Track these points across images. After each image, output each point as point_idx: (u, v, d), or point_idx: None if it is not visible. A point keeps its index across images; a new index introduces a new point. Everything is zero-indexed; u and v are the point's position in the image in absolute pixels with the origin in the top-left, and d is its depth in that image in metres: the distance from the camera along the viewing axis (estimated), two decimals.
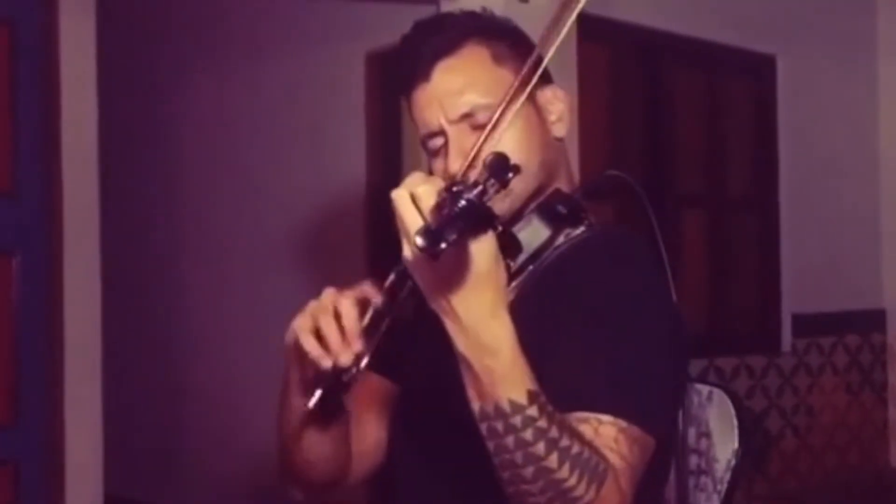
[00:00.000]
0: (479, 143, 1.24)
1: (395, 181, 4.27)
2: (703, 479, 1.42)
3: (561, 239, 1.32)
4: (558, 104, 1.42)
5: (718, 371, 4.40)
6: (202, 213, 4.78)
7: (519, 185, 1.31)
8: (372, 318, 1.21)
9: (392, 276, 1.23)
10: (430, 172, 1.42)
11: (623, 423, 1.14)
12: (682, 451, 1.39)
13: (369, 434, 1.50)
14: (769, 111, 4.68)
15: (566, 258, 1.31)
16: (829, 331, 4.91)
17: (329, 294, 1.24)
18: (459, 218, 0.93)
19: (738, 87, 4.62)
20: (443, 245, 0.91)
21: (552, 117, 1.41)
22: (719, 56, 4.47)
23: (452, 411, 1.31)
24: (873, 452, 5.09)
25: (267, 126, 4.52)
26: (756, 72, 4.65)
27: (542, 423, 1.04)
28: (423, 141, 1.39)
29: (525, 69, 1.24)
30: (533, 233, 1.28)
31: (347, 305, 1.20)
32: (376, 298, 1.21)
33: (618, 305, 1.23)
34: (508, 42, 1.39)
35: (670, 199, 4.28)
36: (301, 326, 1.23)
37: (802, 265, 4.72)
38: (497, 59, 1.36)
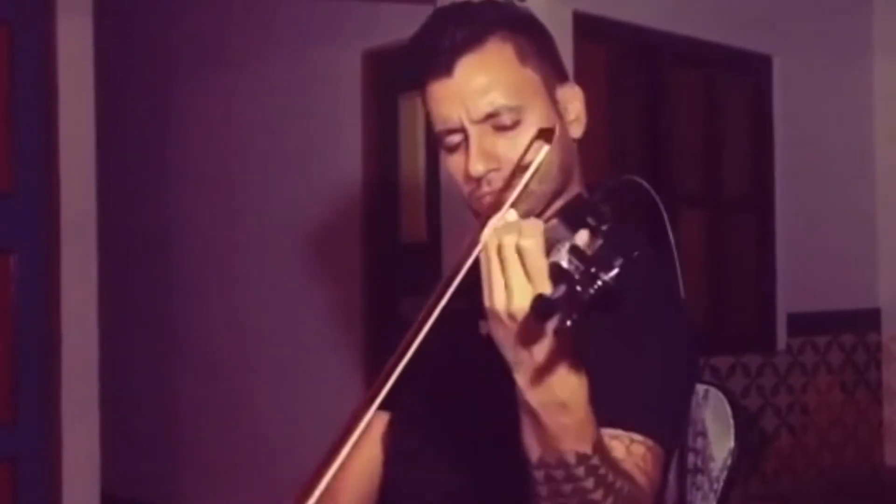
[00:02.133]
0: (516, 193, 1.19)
1: (392, 179, 4.29)
2: (699, 477, 1.43)
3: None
4: (576, 103, 1.37)
5: (714, 370, 4.41)
6: (199, 212, 4.78)
7: (540, 188, 1.30)
8: None
9: None
10: (429, 175, 1.41)
11: (650, 442, 1.16)
12: (681, 452, 1.40)
13: (362, 470, 1.48)
14: (766, 111, 4.69)
15: None
16: (825, 330, 4.92)
17: None
18: (595, 301, 0.86)
19: (735, 86, 4.62)
20: (569, 323, 0.86)
21: (570, 116, 1.37)
22: (716, 56, 4.48)
23: (452, 434, 1.31)
24: (868, 451, 5.10)
25: (263, 124, 4.52)
26: (753, 72, 4.66)
27: (603, 470, 1.03)
28: (440, 135, 1.34)
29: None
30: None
31: None
32: None
33: (649, 323, 1.23)
34: (531, 36, 1.34)
35: (668, 199, 4.27)
36: None
37: (798, 264, 4.73)
38: (522, 57, 1.31)
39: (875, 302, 5.14)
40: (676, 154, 4.39)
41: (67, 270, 3.12)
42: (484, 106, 1.29)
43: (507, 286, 0.95)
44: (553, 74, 1.35)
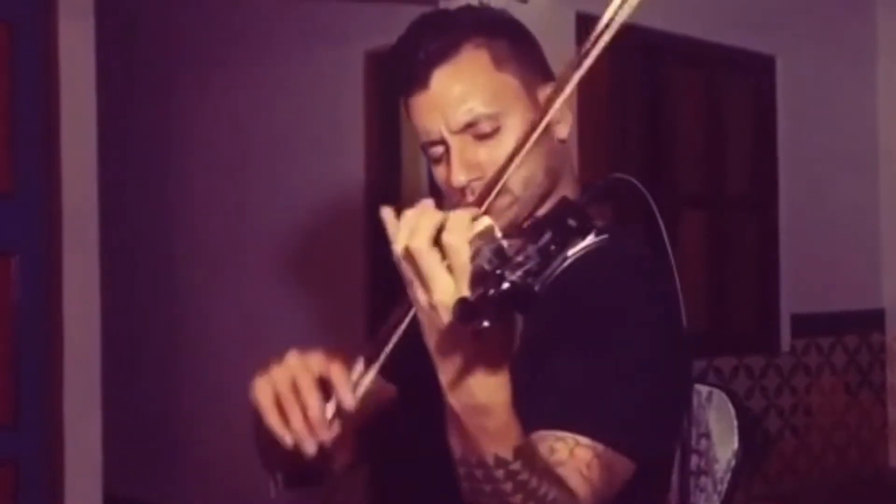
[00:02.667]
0: (499, 181, 1.17)
1: (395, 181, 4.30)
2: (703, 479, 1.42)
3: (569, 251, 1.27)
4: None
5: (717, 371, 4.41)
6: (200, 213, 4.78)
7: (525, 194, 1.29)
8: (336, 414, 1.13)
9: (359, 371, 1.16)
10: (432, 177, 1.40)
11: (600, 448, 1.12)
12: (684, 453, 1.39)
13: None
14: (769, 111, 4.68)
15: (571, 272, 1.26)
16: (828, 331, 4.91)
17: (292, 364, 1.17)
18: (502, 302, 0.85)
19: (737, 87, 4.62)
20: (485, 324, 0.85)
21: (555, 117, 1.31)
22: (719, 56, 4.47)
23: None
24: (872, 452, 5.09)
25: (266, 125, 4.52)
26: (756, 72, 4.65)
27: (524, 475, 1.02)
28: (424, 147, 1.35)
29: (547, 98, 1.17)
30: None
31: (309, 390, 1.13)
32: (344, 397, 1.12)
33: (611, 326, 1.19)
34: (508, 40, 1.32)
35: (670, 199, 4.28)
36: (262, 396, 1.16)
37: (801, 265, 4.72)
38: (498, 62, 1.30)
39: (879, 303, 5.14)
40: (678, 154, 4.38)
41: (69, 272, 3.12)
42: (462, 115, 1.28)
43: (431, 280, 0.94)
44: (534, 76, 1.33)
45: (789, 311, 4.72)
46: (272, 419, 1.14)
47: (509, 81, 1.30)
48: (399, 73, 1.33)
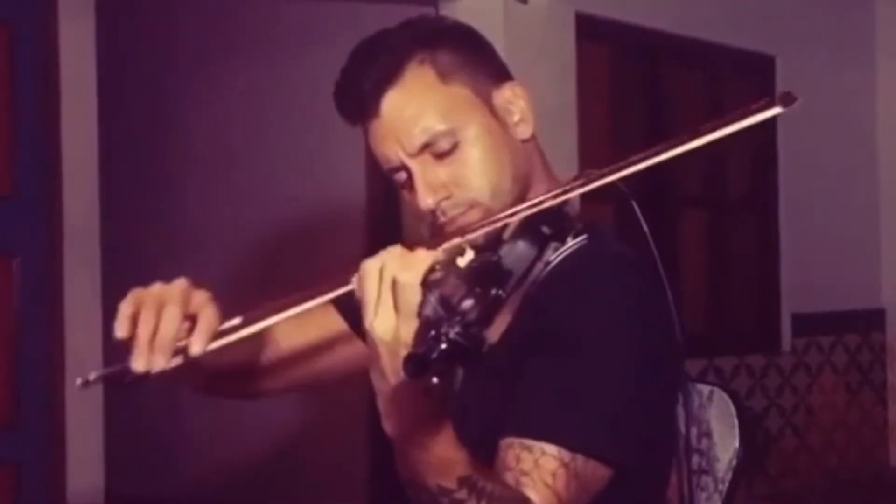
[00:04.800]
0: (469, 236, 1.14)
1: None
2: (704, 478, 1.43)
3: (550, 254, 1.23)
4: (519, 102, 1.31)
5: (718, 371, 4.41)
6: (201, 213, 4.78)
7: (495, 204, 1.25)
8: (182, 350, 1.13)
9: (233, 323, 1.17)
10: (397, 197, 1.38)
11: (566, 456, 1.10)
12: (685, 453, 1.39)
13: (292, 347, 1.49)
14: None
15: (554, 277, 1.23)
16: (829, 330, 4.91)
17: (172, 289, 1.17)
18: (446, 361, 0.85)
19: (737, 87, 4.62)
20: (434, 380, 0.85)
21: (514, 118, 1.30)
22: (719, 56, 4.48)
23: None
24: (872, 452, 5.09)
25: (266, 125, 4.52)
26: (755, 72, 4.65)
27: (472, 502, 1.03)
28: (388, 175, 1.32)
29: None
30: (518, 255, 1.17)
31: (172, 315, 1.13)
32: (195, 341, 1.12)
33: (585, 333, 1.17)
34: (451, 48, 1.29)
35: (670, 200, 4.29)
36: (126, 303, 1.17)
37: (802, 265, 4.72)
38: (443, 76, 1.27)
39: (879, 302, 5.14)
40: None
41: (70, 273, 3.12)
42: (417, 137, 1.25)
43: (375, 311, 0.95)
44: (487, 80, 1.30)
45: (790, 310, 4.72)
46: (119, 324, 1.16)
47: (459, 92, 1.27)
48: (349, 105, 1.33)
